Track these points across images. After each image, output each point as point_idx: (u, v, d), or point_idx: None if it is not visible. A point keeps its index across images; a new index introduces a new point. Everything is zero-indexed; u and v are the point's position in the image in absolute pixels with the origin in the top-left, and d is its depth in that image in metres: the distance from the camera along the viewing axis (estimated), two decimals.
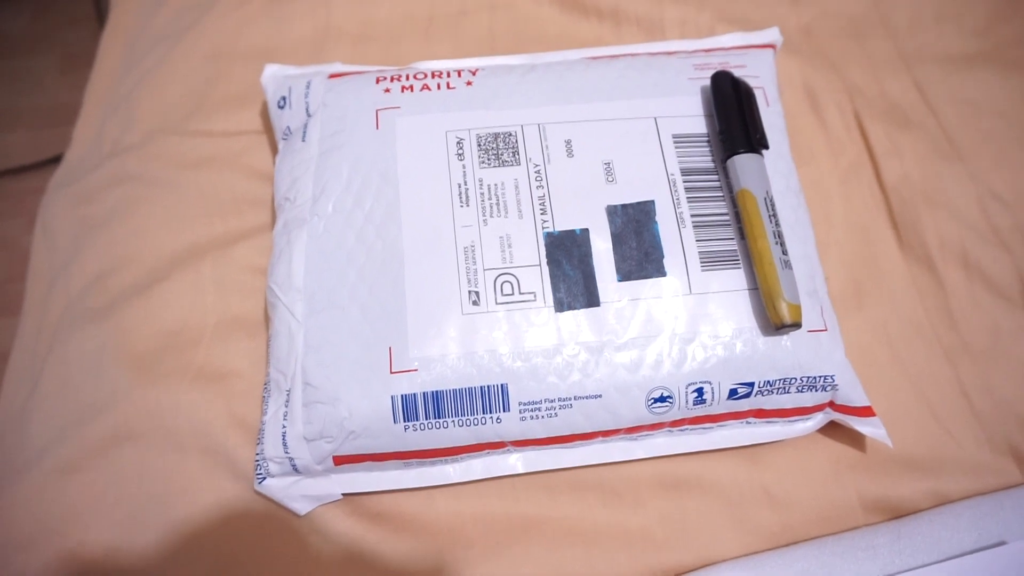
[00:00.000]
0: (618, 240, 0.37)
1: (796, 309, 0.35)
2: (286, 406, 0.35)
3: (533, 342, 0.35)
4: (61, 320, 0.43)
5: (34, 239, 0.49)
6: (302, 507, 0.36)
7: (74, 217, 0.48)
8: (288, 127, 0.42)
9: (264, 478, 0.36)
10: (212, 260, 0.43)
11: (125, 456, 0.38)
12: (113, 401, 0.39)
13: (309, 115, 0.41)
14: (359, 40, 0.52)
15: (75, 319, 0.43)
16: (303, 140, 0.40)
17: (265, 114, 0.48)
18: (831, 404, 0.38)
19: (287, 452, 0.35)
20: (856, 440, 0.39)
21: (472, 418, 0.35)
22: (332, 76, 0.42)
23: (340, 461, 0.35)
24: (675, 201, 0.38)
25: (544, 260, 0.36)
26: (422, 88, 0.40)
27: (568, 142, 0.39)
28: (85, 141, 0.53)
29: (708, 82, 0.40)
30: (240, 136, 0.48)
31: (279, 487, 0.36)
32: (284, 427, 0.35)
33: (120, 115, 0.51)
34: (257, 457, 0.36)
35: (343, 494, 0.37)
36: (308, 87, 0.41)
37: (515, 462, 0.37)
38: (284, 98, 0.42)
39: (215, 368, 0.40)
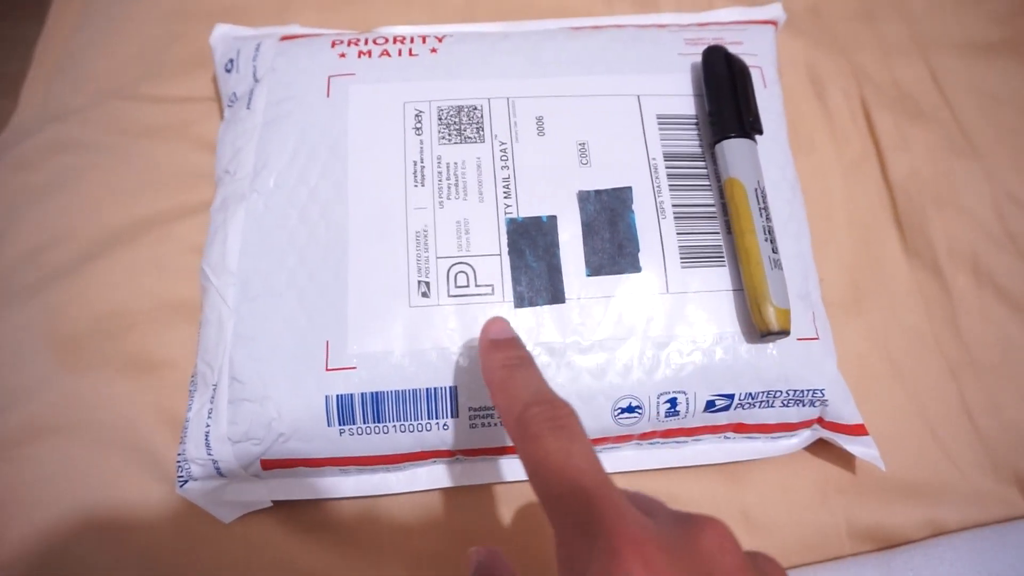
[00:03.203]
0: (589, 230, 0.33)
1: (784, 314, 0.31)
2: (211, 402, 0.32)
3: None
4: None
5: None
6: (227, 514, 0.33)
7: (12, 184, 0.44)
8: (234, 93, 0.38)
9: (186, 481, 0.32)
10: (153, 238, 0.40)
11: (44, 449, 0.35)
12: (34, 389, 0.36)
13: (256, 80, 0.37)
14: (328, 5, 0.48)
15: (4, 296, 0.39)
16: (248, 107, 0.36)
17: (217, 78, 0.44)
18: (819, 420, 0.34)
19: (210, 454, 0.31)
20: (846, 460, 0.36)
21: (416, 423, 0.31)
22: (284, 38, 0.38)
23: (269, 465, 0.32)
24: (655, 188, 0.34)
25: (505, 249, 0.32)
26: (381, 54, 0.36)
27: (539, 119, 0.35)
28: (32, 103, 0.49)
29: (699, 59, 0.36)
30: (192, 103, 0.44)
31: (202, 491, 0.32)
32: (208, 426, 0.31)
33: (68, 76, 0.47)
34: (179, 458, 0.33)
35: (273, 501, 0.33)
36: (257, 50, 0.38)
37: (465, 473, 0.33)
38: (232, 61, 0.38)
39: (147, 357, 0.37)
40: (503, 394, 0.24)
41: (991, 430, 0.37)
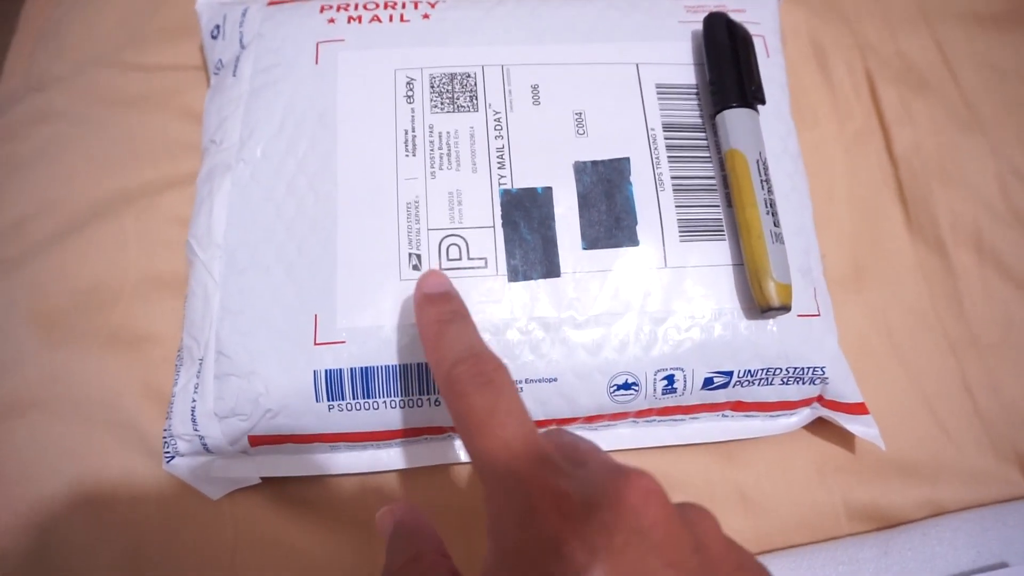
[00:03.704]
0: (586, 202, 0.32)
1: (786, 290, 0.30)
2: (197, 377, 0.31)
3: (481, 315, 0.30)
4: None
5: None
6: (214, 491, 0.32)
7: None
8: (220, 60, 0.37)
9: (172, 457, 0.32)
10: (137, 210, 0.39)
11: (27, 424, 0.34)
12: (16, 363, 0.35)
13: (243, 47, 0.36)
14: None
15: None
16: (234, 75, 0.35)
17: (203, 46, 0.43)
18: (819, 399, 0.33)
19: (196, 429, 0.31)
20: (844, 439, 0.35)
21: (407, 399, 0.30)
22: (272, 3, 0.37)
23: (257, 442, 0.31)
24: (654, 160, 0.33)
25: (499, 221, 0.31)
26: (372, 20, 0.35)
27: (535, 87, 0.34)
28: (16, 73, 0.48)
29: (700, 26, 0.35)
30: (177, 71, 0.43)
31: (189, 467, 0.32)
32: (194, 401, 0.31)
33: (50, 44, 0.46)
34: (165, 433, 0.32)
35: (262, 478, 0.33)
36: (244, 15, 0.36)
37: (457, 450, 0.33)
38: (218, 27, 0.37)
39: (132, 331, 0.36)
40: (434, 350, 0.24)
41: (992, 409, 0.36)
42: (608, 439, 0.33)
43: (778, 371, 0.32)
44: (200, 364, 0.31)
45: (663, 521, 0.17)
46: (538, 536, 0.17)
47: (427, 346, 0.24)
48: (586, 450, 0.21)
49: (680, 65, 0.35)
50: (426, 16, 0.35)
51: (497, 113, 0.33)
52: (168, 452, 0.32)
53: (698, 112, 0.34)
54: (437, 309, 0.25)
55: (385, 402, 0.30)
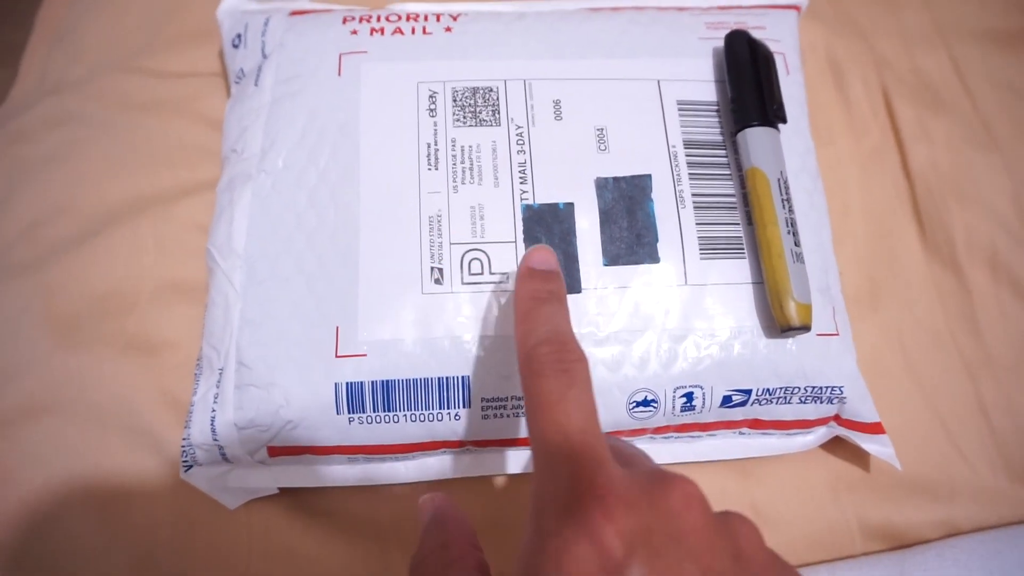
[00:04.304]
0: (607, 218, 0.32)
1: (806, 310, 0.30)
2: (217, 387, 0.31)
3: (502, 330, 0.30)
4: None
5: None
6: (232, 500, 0.32)
7: (10, 157, 0.43)
8: (242, 69, 0.37)
9: (191, 466, 0.32)
10: (154, 216, 0.39)
11: (41, 428, 0.34)
12: (32, 366, 0.35)
13: (265, 56, 0.36)
14: None
15: (1, 272, 0.38)
16: (256, 85, 0.35)
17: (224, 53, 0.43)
18: (836, 418, 0.33)
19: (216, 439, 0.31)
20: (859, 457, 0.35)
21: (427, 413, 0.30)
22: (294, 13, 0.37)
23: (276, 453, 0.31)
24: (675, 177, 0.33)
25: (520, 236, 0.31)
26: (394, 32, 0.35)
27: (557, 102, 0.34)
28: (30, 74, 0.48)
29: (721, 43, 0.35)
30: (195, 78, 0.43)
31: (207, 476, 0.32)
32: (214, 411, 0.31)
33: (66, 47, 0.46)
34: (183, 442, 0.32)
35: (280, 488, 0.33)
36: (266, 24, 0.36)
37: (475, 463, 0.33)
38: (239, 36, 0.37)
39: (148, 338, 0.36)
40: (523, 325, 0.24)
41: (1006, 430, 0.36)
42: None
43: (796, 390, 0.32)
44: (220, 374, 0.31)
45: (702, 527, 0.18)
46: (579, 525, 0.17)
47: (517, 318, 0.25)
48: (634, 454, 0.22)
49: (701, 82, 0.35)
50: (448, 29, 0.35)
51: (519, 128, 0.33)
52: (186, 461, 0.32)
53: (719, 129, 0.34)
54: (536, 285, 0.25)
55: (405, 415, 0.30)
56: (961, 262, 0.39)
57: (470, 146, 0.33)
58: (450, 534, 0.23)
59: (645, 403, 0.31)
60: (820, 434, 0.34)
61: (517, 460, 0.33)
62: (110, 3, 0.46)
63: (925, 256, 0.40)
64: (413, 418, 0.30)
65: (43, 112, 0.43)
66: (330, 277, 0.31)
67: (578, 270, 0.31)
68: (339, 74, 0.34)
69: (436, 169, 0.32)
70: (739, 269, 0.32)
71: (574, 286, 0.31)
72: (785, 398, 0.32)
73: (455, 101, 0.33)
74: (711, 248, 0.32)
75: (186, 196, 0.39)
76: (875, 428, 0.33)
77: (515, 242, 0.31)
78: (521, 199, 0.32)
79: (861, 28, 0.46)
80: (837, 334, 0.32)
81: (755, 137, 0.32)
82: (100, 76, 0.43)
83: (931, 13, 0.46)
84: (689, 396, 0.31)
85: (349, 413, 0.30)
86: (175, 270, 0.38)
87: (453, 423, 0.30)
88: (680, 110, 0.34)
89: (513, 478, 0.34)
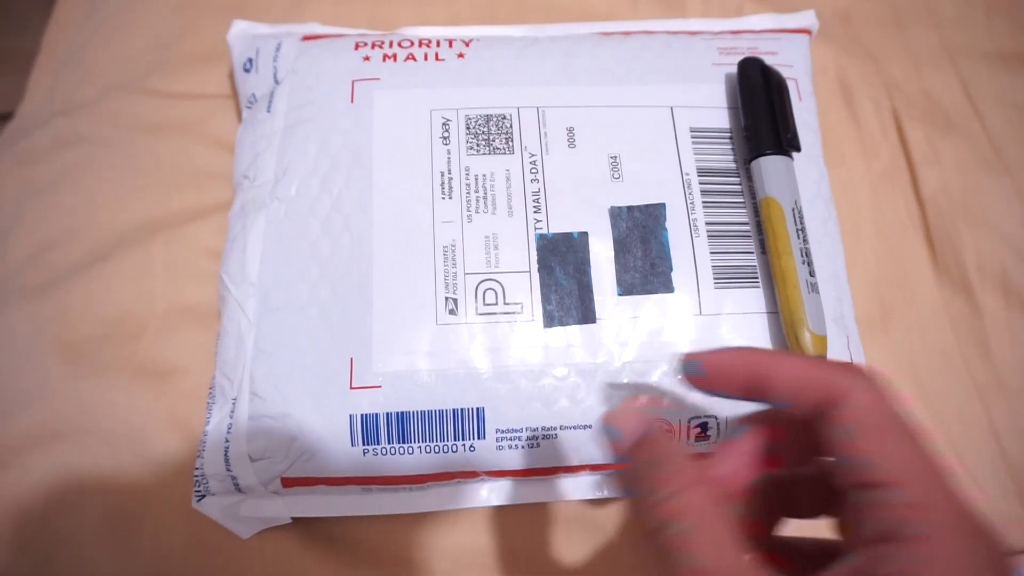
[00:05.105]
0: (621, 247, 0.32)
1: (821, 341, 0.30)
2: (231, 417, 0.31)
3: (517, 361, 0.30)
4: None
5: None
6: (245, 530, 0.32)
7: (18, 178, 0.43)
8: (253, 94, 0.36)
9: (203, 495, 0.32)
10: (164, 239, 0.39)
11: (53, 456, 0.34)
12: (42, 393, 0.35)
13: (277, 82, 0.36)
14: None
15: (9, 296, 0.38)
16: (268, 111, 0.35)
17: (233, 76, 0.43)
18: None
19: (229, 470, 0.30)
20: None
21: (442, 444, 0.30)
22: (306, 38, 0.37)
23: (289, 483, 0.31)
24: (689, 205, 0.33)
25: (535, 266, 0.31)
26: (407, 58, 0.35)
27: (570, 130, 0.34)
28: (38, 94, 0.48)
29: (734, 69, 0.35)
30: (204, 100, 0.43)
31: (219, 506, 0.32)
32: (227, 441, 0.31)
33: (75, 67, 0.46)
34: (196, 472, 0.32)
35: (293, 518, 0.33)
36: (278, 50, 0.36)
37: (489, 493, 0.33)
38: (251, 60, 0.37)
39: (159, 363, 0.36)
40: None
41: (1018, 455, 0.36)
42: None
43: None
44: (233, 404, 0.31)
45: None
46: None
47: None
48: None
49: (714, 108, 0.35)
50: (461, 56, 0.35)
51: (533, 156, 0.33)
52: (199, 491, 0.32)
53: (732, 157, 0.34)
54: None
55: (420, 447, 0.30)
56: (972, 285, 0.39)
57: (484, 175, 0.32)
58: (687, 475, 0.20)
59: None
60: None
61: (531, 490, 0.33)
62: (119, 24, 0.46)
63: (936, 279, 0.40)
64: (428, 449, 0.30)
65: (52, 133, 0.43)
66: (344, 307, 0.31)
67: (592, 300, 0.31)
68: (352, 101, 0.34)
69: (450, 198, 0.32)
70: (754, 298, 0.32)
71: (589, 316, 0.31)
72: None
73: (468, 128, 0.33)
74: (726, 277, 0.32)
75: (196, 219, 0.39)
76: None
77: (529, 272, 0.31)
78: (535, 228, 0.32)
79: (871, 50, 0.46)
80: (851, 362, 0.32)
81: (769, 166, 0.32)
82: (109, 97, 0.43)
83: (940, 35, 0.46)
84: (704, 426, 0.31)
85: (364, 445, 0.30)
86: (185, 294, 0.37)
87: (468, 454, 0.30)
88: (693, 137, 0.34)
89: (528, 508, 0.34)
